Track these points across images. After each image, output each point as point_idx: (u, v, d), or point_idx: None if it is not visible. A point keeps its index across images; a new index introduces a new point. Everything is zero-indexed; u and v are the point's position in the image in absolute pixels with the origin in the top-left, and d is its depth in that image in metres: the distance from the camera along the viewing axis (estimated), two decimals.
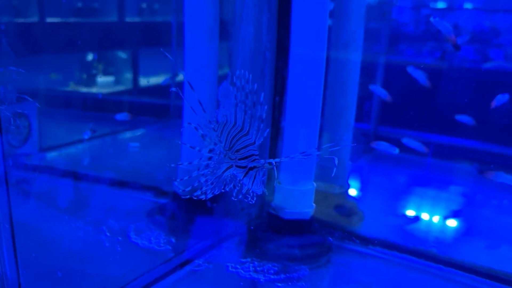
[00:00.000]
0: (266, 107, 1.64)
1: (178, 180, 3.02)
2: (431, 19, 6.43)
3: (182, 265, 2.83)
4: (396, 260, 3.06)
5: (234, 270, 2.80)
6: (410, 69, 3.85)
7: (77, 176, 3.88)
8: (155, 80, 6.40)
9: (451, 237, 3.52)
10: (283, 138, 3.25)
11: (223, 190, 1.71)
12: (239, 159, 1.65)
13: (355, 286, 2.79)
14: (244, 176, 1.65)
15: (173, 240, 3.03)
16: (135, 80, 6.34)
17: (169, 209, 3.27)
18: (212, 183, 1.68)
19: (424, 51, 6.78)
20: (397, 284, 2.85)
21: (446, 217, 3.77)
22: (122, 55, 6.48)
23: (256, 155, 1.65)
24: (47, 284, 2.57)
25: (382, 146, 3.73)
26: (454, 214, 3.87)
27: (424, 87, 5.10)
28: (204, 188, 1.67)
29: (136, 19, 6.91)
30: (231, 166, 1.67)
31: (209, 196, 1.67)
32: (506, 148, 4.81)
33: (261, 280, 2.74)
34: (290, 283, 2.72)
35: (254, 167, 1.64)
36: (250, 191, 1.66)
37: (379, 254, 3.10)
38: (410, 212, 3.80)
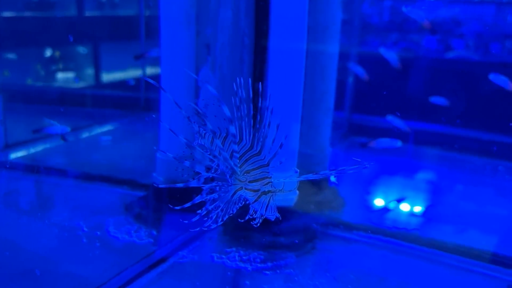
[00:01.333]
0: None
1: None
2: (403, 9, 6.54)
3: (166, 257, 2.73)
4: (381, 243, 3.07)
5: (219, 260, 2.73)
6: (382, 51, 3.87)
7: (47, 172, 3.71)
8: (120, 75, 6.25)
9: (430, 221, 3.58)
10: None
11: (231, 214, 1.51)
12: (250, 182, 1.46)
13: (343, 271, 2.78)
14: (256, 200, 1.45)
15: (155, 232, 2.93)
16: (97, 75, 6.18)
17: (149, 202, 3.16)
18: (222, 210, 1.49)
19: (389, 42, 6.91)
20: (383, 266, 2.86)
21: (418, 201, 3.82)
22: (83, 50, 6.28)
23: (270, 178, 1.45)
24: (23, 283, 2.43)
25: (383, 143, 3.68)
26: (427, 198, 3.94)
27: (394, 76, 5.18)
28: (214, 216, 1.48)
29: (97, 13, 6.72)
30: (241, 188, 1.48)
31: (220, 223, 1.49)
32: (473, 132, 4.94)
33: (249, 269, 2.68)
34: (278, 271, 2.68)
35: (269, 191, 1.44)
36: (261, 216, 1.45)
37: (363, 239, 3.10)
38: (386, 198, 3.83)
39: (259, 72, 3.18)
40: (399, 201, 3.69)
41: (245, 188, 1.46)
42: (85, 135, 4.65)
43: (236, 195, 1.49)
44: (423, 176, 4.49)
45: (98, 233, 2.88)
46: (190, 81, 2.91)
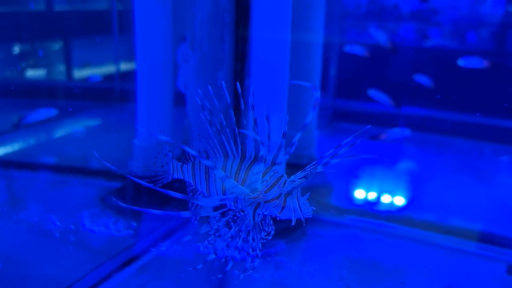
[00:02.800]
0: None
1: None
2: None
3: (147, 249, 2.54)
4: (372, 227, 2.94)
5: (206, 249, 2.54)
6: (371, 31, 3.78)
7: (16, 166, 3.46)
8: (93, 71, 6.02)
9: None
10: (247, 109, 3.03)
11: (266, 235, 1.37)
12: (266, 192, 1.28)
13: (336, 256, 2.64)
14: (283, 208, 1.28)
15: (135, 224, 2.73)
16: (68, 71, 5.95)
17: (127, 192, 2.95)
18: (253, 239, 1.34)
19: (366, 31, 6.85)
20: (377, 250, 2.73)
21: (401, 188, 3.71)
22: (53, 46, 6.03)
23: (282, 176, 1.30)
24: None
25: (393, 134, 3.56)
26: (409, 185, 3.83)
27: (375, 64, 5.11)
28: (251, 252, 1.36)
29: (67, 8, 6.50)
30: (258, 205, 1.31)
31: (260, 255, 1.37)
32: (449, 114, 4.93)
33: (237, 258, 2.50)
34: (268, 258, 2.51)
35: (292, 189, 1.28)
36: (299, 218, 1.31)
37: (355, 223, 2.96)
38: (369, 189, 3.70)
39: (241, 52, 3.01)
40: (383, 193, 3.50)
41: (265, 201, 1.30)
42: (57, 127, 4.39)
43: (256, 215, 1.33)
44: (409, 160, 4.39)
45: (72, 226, 2.66)
46: (167, 60, 2.72)
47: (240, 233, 1.33)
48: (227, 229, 1.38)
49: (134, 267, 2.40)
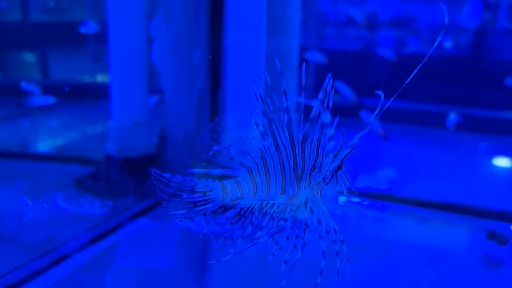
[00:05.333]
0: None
1: None
2: None
3: (122, 224, 2.46)
4: (355, 203, 2.91)
5: (185, 224, 2.48)
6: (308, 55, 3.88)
7: None
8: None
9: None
10: (225, 90, 3.01)
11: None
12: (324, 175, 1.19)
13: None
14: (336, 183, 1.24)
15: (111, 203, 2.65)
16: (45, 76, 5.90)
17: (102, 173, 2.88)
18: (334, 230, 1.26)
19: (346, 39, 6.98)
20: (358, 223, 2.70)
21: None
22: (29, 57, 5.99)
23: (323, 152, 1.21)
24: None
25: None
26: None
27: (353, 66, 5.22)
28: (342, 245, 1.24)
29: (43, 18, 6.48)
30: (320, 189, 1.24)
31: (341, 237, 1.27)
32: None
33: (219, 231, 2.44)
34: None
35: (342, 162, 1.21)
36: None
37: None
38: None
39: (217, 31, 3.00)
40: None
41: (325, 184, 1.23)
42: (33, 120, 4.30)
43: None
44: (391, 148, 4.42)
45: (45, 205, 2.57)
46: (141, 31, 2.69)
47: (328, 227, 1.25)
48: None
49: (109, 241, 2.31)
